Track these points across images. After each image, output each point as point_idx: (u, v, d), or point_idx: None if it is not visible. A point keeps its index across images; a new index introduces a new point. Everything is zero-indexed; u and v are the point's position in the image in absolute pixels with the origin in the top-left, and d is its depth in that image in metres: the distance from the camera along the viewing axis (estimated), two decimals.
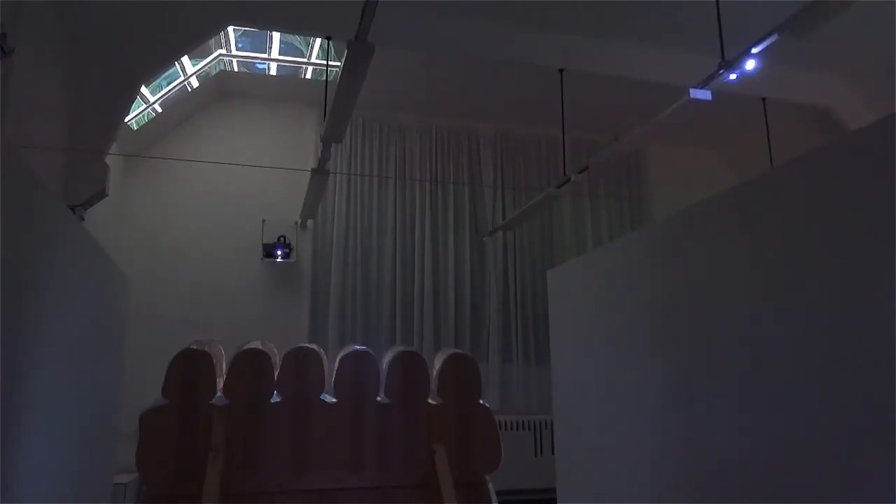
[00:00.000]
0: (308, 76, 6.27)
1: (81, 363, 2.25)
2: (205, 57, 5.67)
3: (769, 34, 3.49)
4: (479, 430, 2.45)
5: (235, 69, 6.12)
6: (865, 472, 1.29)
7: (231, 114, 6.35)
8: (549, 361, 2.94)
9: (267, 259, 6.03)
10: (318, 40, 5.58)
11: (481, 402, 2.50)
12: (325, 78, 5.10)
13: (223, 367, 2.52)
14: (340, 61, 3.67)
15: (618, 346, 2.32)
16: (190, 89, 5.89)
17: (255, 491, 2.19)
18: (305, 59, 6.06)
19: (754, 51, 3.63)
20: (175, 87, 5.71)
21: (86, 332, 2.32)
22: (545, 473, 3.92)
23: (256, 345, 2.49)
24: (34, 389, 1.72)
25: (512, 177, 6.87)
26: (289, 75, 6.29)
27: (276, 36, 5.64)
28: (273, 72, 6.24)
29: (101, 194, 4.47)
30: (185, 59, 5.42)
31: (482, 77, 5.87)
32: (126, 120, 5.38)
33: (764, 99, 5.69)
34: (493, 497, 2.40)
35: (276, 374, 2.33)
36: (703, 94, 3.98)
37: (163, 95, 5.69)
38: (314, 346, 2.45)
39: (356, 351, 2.46)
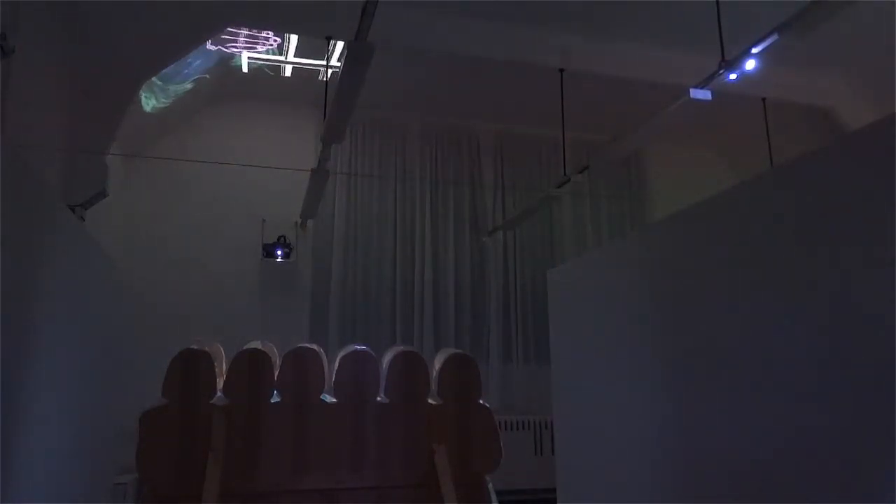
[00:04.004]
0: (308, 76, 6.25)
1: (81, 363, 2.25)
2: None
3: (769, 34, 3.49)
4: (479, 430, 2.45)
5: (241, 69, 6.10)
6: (865, 472, 1.29)
7: (231, 114, 6.35)
8: (549, 361, 2.93)
9: (267, 259, 6.02)
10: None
11: (481, 402, 2.50)
12: (325, 78, 5.10)
13: (223, 367, 2.52)
14: (340, 61, 3.68)
15: (618, 345, 2.32)
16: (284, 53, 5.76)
17: (255, 491, 2.19)
18: (306, 60, 6.04)
19: (754, 51, 3.63)
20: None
21: (85, 332, 2.32)
22: (545, 473, 3.92)
23: (256, 345, 2.49)
24: (34, 389, 1.72)
25: (512, 177, 6.87)
26: (289, 75, 6.27)
27: (294, 38, 5.58)
28: (273, 72, 6.22)
29: (101, 194, 4.46)
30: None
31: (482, 77, 5.87)
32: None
33: (764, 99, 5.69)
34: (493, 497, 2.40)
35: (276, 374, 2.33)
36: (703, 94, 3.99)
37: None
38: (314, 346, 2.45)
39: (356, 351, 2.46)
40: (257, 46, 5.43)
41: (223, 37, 5.18)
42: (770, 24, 3.48)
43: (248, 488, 2.18)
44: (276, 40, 5.36)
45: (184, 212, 6.01)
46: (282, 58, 5.93)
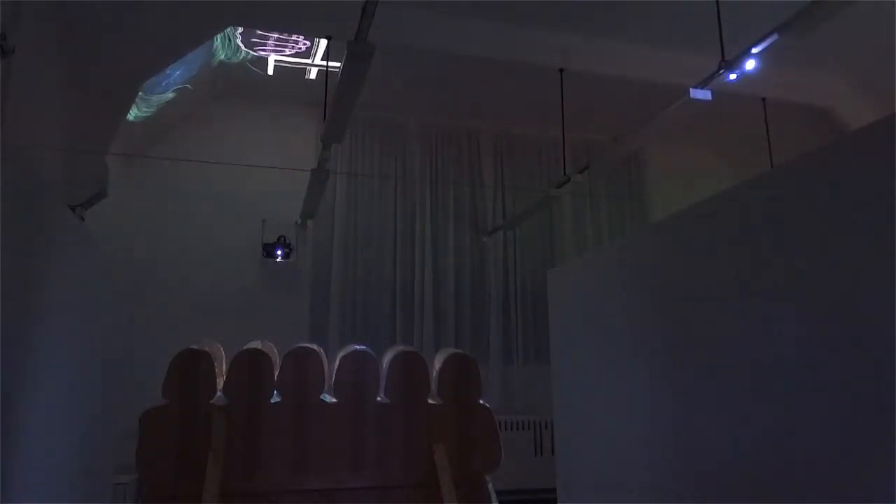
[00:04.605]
0: (309, 76, 6.25)
1: (81, 363, 2.25)
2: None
3: (769, 34, 3.49)
4: (479, 430, 2.45)
5: (235, 68, 6.10)
6: (865, 471, 1.29)
7: (231, 114, 6.35)
8: (549, 361, 2.93)
9: (267, 259, 6.02)
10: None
11: (481, 402, 2.50)
12: (325, 78, 5.10)
13: (223, 367, 2.52)
14: (340, 61, 3.68)
15: (618, 345, 2.32)
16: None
17: (255, 491, 2.19)
18: (307, 60, 6.04)
19: (754, 51, 3.63)
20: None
21: (85, 332, 2.32)
22: (545, 473, 3.92)
23: (256, 345, 2.49)
24: (34, 389, 1.72)
25: (512, 177, 6.87)
26: (289, 75, 6.27)
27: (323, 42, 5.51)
28: (273, 72, 6.22)
29: (101, 194, 4.46)
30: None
31: (482, 77, 5.87)
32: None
33: (764, 99, 5.69)
34: (493, 497, 2.40)
35: (276, 374, 2.33)
36: (703, 94, 3.99)
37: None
38: (314, 346, 2.45)
39: (356, 351, 2.46)
40: (286, 49, 5.44)
41: (252, 39, 5.18)
42: (770, 24, 3.48)
43: (248, 488, 2.18)
44: (305, 43, 5.35)
45: (183, 212, 6.01)
46: (286, 59, 5.92)
